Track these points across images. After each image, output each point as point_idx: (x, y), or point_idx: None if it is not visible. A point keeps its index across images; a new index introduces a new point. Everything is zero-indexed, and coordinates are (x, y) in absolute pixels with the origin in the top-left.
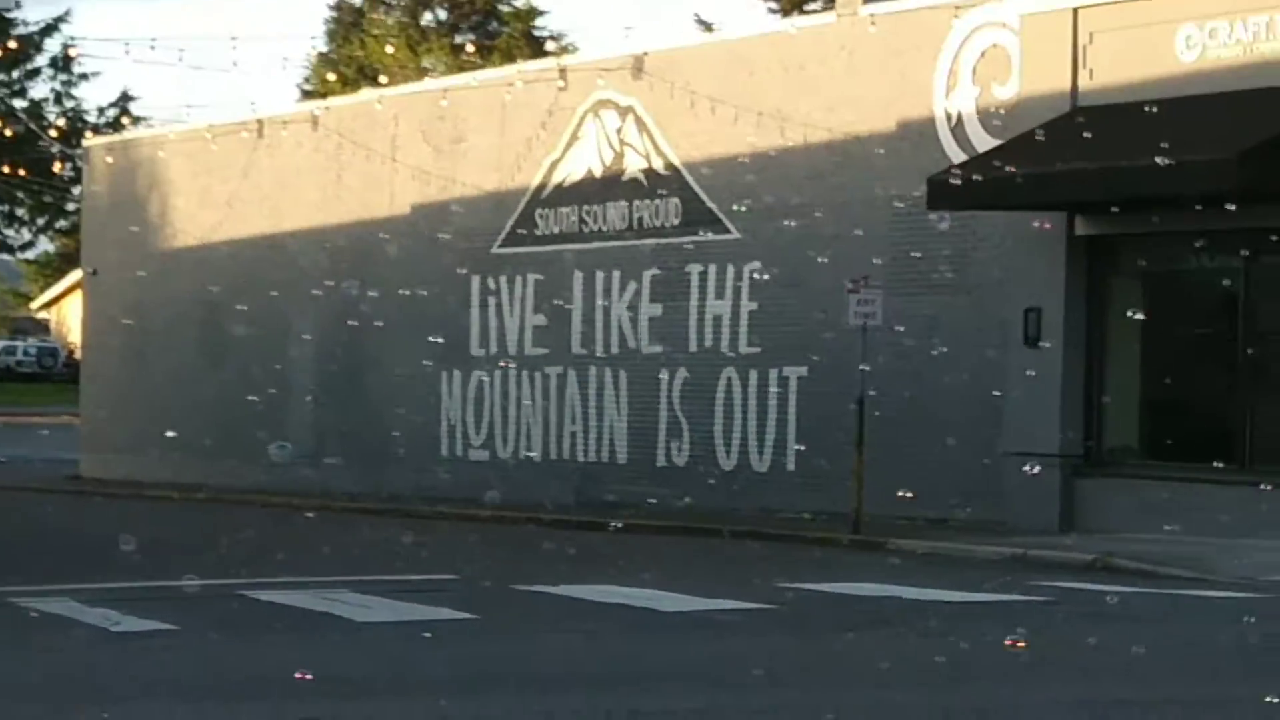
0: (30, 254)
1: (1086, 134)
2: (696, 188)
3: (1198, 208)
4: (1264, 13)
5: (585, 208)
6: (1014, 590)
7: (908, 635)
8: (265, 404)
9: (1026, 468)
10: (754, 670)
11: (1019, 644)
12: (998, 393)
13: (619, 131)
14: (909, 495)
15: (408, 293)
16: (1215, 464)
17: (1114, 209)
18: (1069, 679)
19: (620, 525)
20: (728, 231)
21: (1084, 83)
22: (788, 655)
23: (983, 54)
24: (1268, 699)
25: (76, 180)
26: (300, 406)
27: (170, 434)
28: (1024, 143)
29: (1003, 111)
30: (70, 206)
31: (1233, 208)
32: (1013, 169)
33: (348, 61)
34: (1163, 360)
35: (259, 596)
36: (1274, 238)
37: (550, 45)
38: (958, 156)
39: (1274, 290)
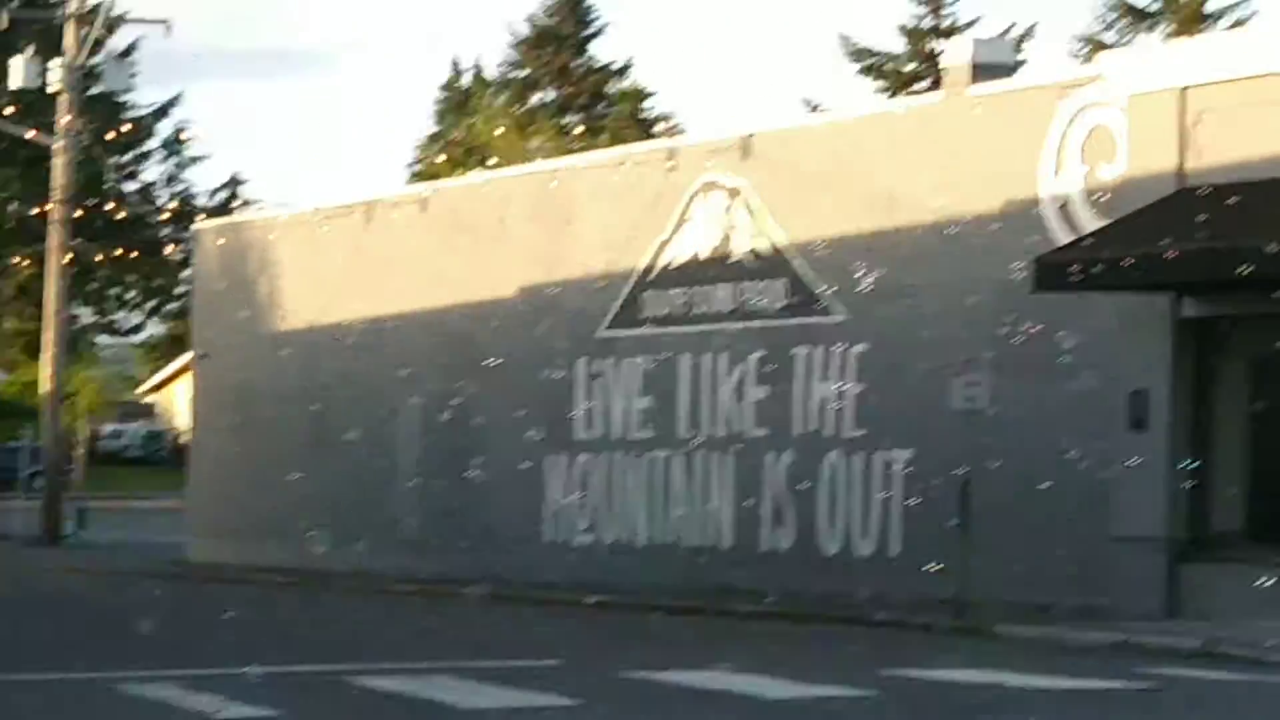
0: (140, 337)
1: (1194, 215)
2: (802, 270)
3: None
4: None
5: (693, 290)
6: (1118, 677)
7: None
8: (372, 488)
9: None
10: None
11: None
12: (1104, 476)
13: (727, 212)
14: (1018, 578)
15: (515, 375)
16: None
17: (1222, 291)
18: None
19: (724, 611)
20: (833, 313)
21: (1191, 162)
22: None
23: (1089, 134)
24: None
25: (185, 263)
26: (406, 490)
27: (286, 514)
28: (1131, 223)
29: (1109, 192)
30: (179, 289)
31: None
32: (1120, 250)
33: (456, 143)
34: (1271, 444)
35: (363, 683)
36: None
37: (658, 126)
38: (1064, 237)
39: None
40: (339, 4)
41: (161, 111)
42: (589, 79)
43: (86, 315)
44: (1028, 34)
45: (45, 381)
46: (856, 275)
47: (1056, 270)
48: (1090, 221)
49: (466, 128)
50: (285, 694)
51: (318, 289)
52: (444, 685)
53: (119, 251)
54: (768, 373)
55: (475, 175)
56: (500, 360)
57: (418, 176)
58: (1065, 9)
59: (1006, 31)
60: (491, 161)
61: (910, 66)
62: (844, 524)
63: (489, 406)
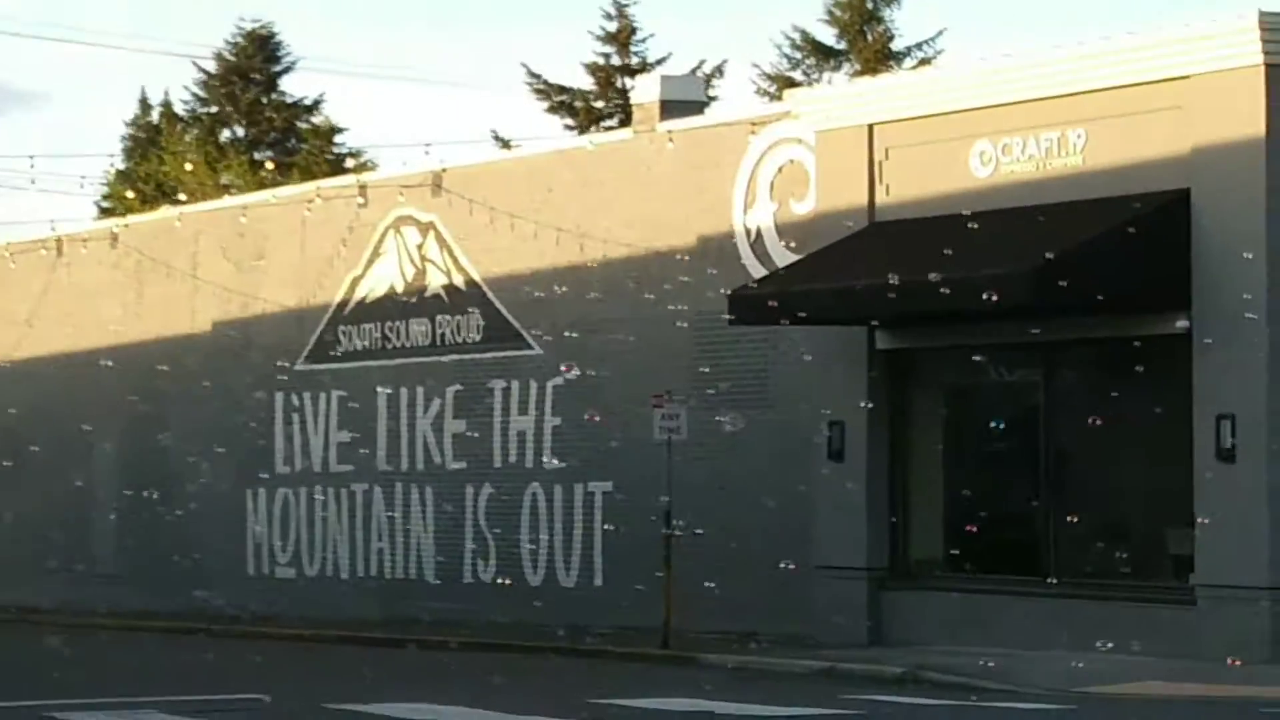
0: None
1: (884, 249)
2: (498, 303)
3: (995, 321)
4: (1055, 129)
5: (388, 324)
6: (825, 704)
7: None
8: (70, 521)
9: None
10: None
11: None
12: (802, 507)
13: (420, 248)
14: (721, 607)
15: (211, 409)
16: (1018, 575)
17: (914, 323)
18: None
19: (429, 642)
20: (530, 347)
21: (881, 198)
22: None
23: (780, 170)
24: None
25: None
26: (104, 525)
27: None
28: (823, 257)
29: (801, 226)
30: None
31: (1030, 322)
32: (814, 284)
33: (146, 179)
34: (965, 473)
35: (67, 717)
36: (1070, 351)
37: (350, 162)
38: (758, 271)
39: (1072, 403)
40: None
41: None
42: (279, 115)
43: None
44: (717, 71)
45: None
46: (551, 309)
47: (750, 303)
48: (783, 255)
49: (156, 164)
50: None
51: (7, 324)
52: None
53: None
54: (465, 407)
55: (166, 211)
56: (197, 395)
57: (108, 213)
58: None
59: (696, 69)
60: (181, 197)
61: (599, 104)
62: (547, 555)
63: (187, 441)
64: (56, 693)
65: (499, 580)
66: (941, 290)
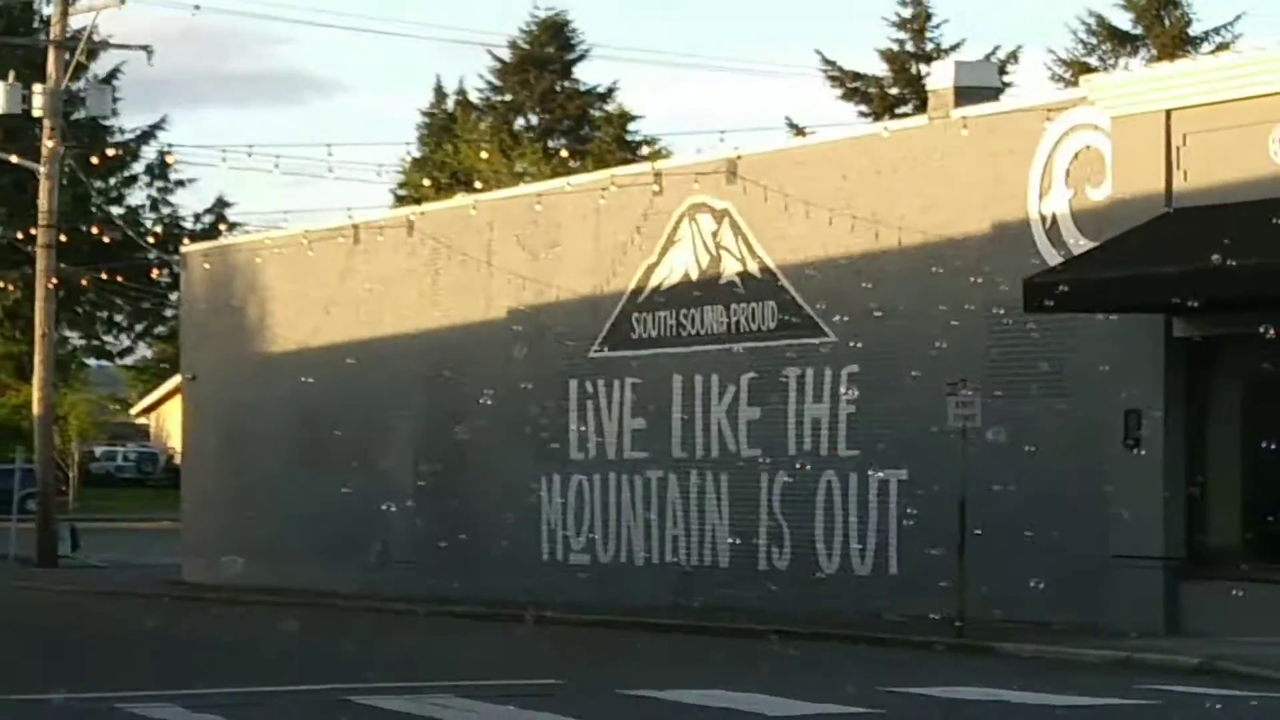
0: (129, 359)
1: (1182, 235)
2: (792, 291)
3: None
4: None
5: (683, 311)
6: (1121, 694)
7: None
8: (364, 507)
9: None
10: None
11: None
12: (1097, 496)
13: (715, 235)
14: (1015, 595)
15: (506, 396)
16: None
17: (1213, 311)
18: None
19: (723, 629)
20: (824, 334)
21: (1178, 184)
22: None
23: (1076, 156)
24: None
25: (174, 286)
26: (401, 510)
27: (279, 535)
28: (1120, 244)
29: (1097, 213)
30: (168, 312)
31: None
32: (1109, 271)
33: (441, 167)
34: (1264, 462)
35: (363, 701)
36: None
37: (643, 150)
38: (1053, 258)
39: None
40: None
41: (146, 136)
42: (573, 102)
43: (75, 338)
44: (1011, 57)
45: (36, 404)
46: (845, 297)
47: (1045, 291)
48: (1079, 243)
49: (452, 152)
50: (286, 713)
51: (306, 311)
52: (444, 703)
53: (105, 275)
54: (759, 394)
55: (461, 199)
56: (492, 392)
57: (403, 201)
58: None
59: (991, 54)
60: (477, 185)
61: (894, 90)
62: (841, 543)
63: (481, 428)
64: (352, 677)
65: (791, 567)
66: (1241, 277)
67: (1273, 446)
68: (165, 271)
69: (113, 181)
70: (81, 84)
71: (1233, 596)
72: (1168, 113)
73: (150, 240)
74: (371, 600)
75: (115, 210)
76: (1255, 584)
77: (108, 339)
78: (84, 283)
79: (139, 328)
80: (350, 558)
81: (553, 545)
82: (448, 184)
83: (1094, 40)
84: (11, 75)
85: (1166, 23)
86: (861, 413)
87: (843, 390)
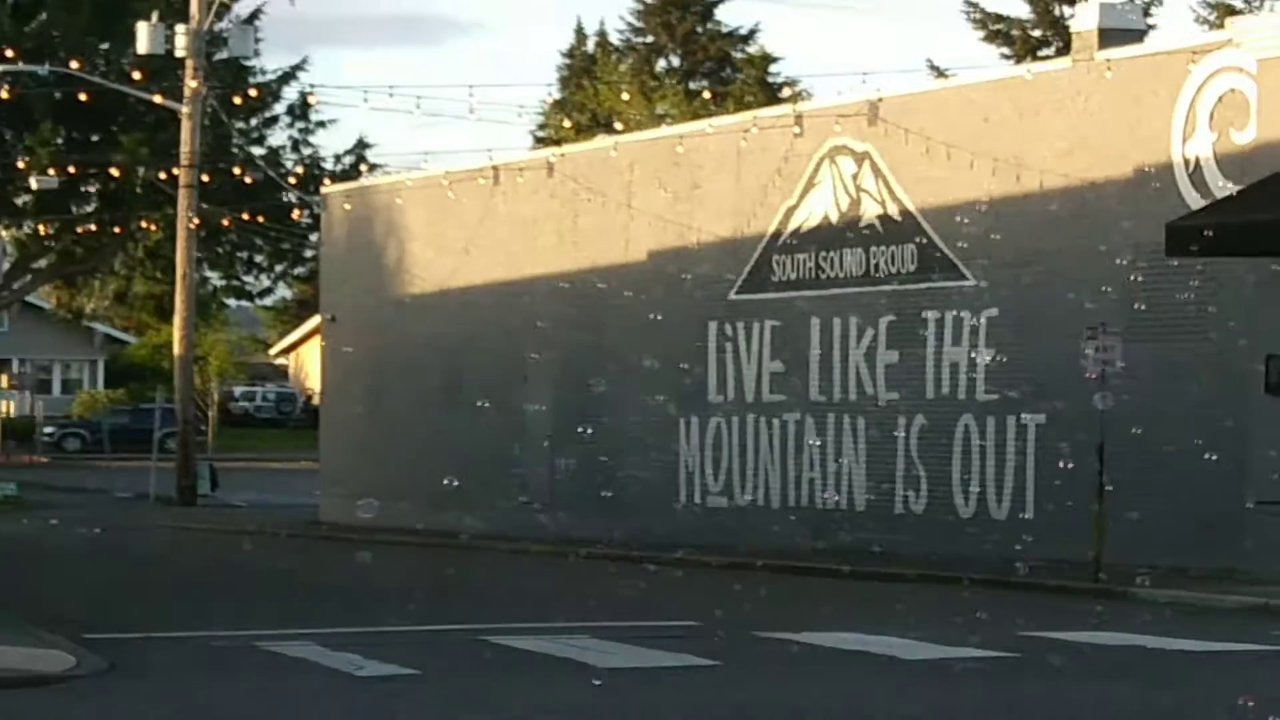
0: (268, 300)
1: None
2: (932, 234)
3: None
4: None
5: (822, 254)
6: (1259, 640)
7: (1151, 685)
8: (503, 449)
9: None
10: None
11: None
12: (1237, 441)
13: (855, 178)
14: (1153, 540)
15: (645, 338)
16: None
17: None
18: None
19: (859, 572)
20: (964, 278)
21: None
22: (1030, 704)
23: (1220, 99)
24: None
25: (314, 227)
26: (538, 451)
27: (417, 475)
28: (1264, 188)
29: (1241, 157)
30: (308, 253)
31: None
32: (1252, 215)
33: (581, 108)
34: None
35: (501, 641)
36: None
37: (784, 92)
38: (1196, 202)
39: None
40: None
41: (288, 76)
42: (714, 44)
43: (215, 278)
44: None
45: (177, 344)
46: (986, 240)
47: (1188, 235)
48: (1223, 187)
49: (592, 93)
50: (426, 652)
51: (445, 253)
52: (582, 644)
53: (246, 216)
54: (898, 337)
55: (601, 140)
56: (631, 323)
57: (543, 143)
58: None
59: None
60: (617, 127)
61: (1036, 32)
62: (978, 487)
63: (620, 369)
64: (490, 617)
65: (928, 511)
66: None
67: None
68: (306, 212)
69: (254, 122)
70: (224, 24)
71: None
72: None
73: (291, 181)
74: (509, 541)
75: (256, 151)
76: None
77: (248, 279)
78: (225, 223)
79: (279, 268)
80: (487, 499)
81: (690, 488)
82: (588, 126)
83: None
84: (155, 15)
85: None
86: (1001, 356)
87: (981, 354)
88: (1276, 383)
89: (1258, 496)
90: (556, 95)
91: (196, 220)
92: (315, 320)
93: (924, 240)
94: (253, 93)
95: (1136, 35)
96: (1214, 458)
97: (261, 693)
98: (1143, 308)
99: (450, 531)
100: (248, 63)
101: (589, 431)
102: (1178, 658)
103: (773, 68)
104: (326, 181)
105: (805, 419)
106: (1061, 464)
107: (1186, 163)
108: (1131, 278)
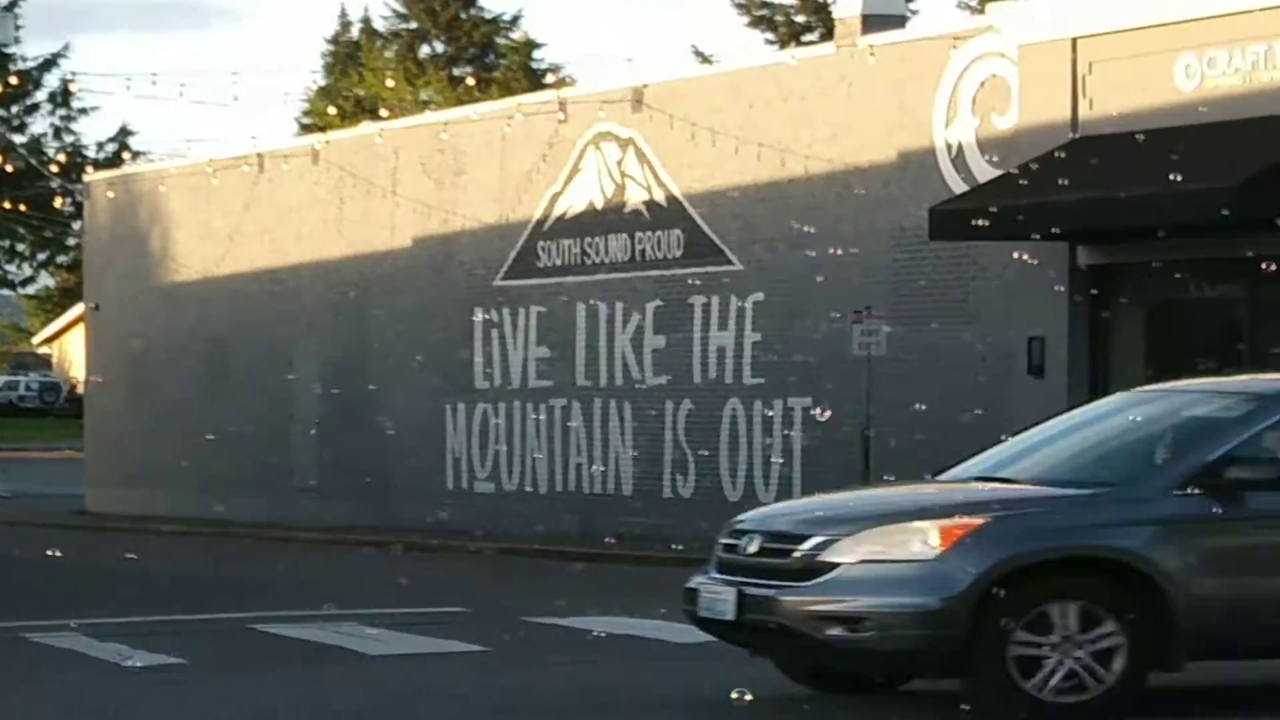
0: (31, 289)
1: (1087, 163)
2: (698, 219)
3: (1199, 237)
4: (1262, 41)
5: (587, 240)
6: None
7: None
8: (269, 437)
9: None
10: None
11: None
12: (1002, 423)
13: (620, 164)
14: None
15: (410, 325)
16: None
17: (1117, 239)
18: None
19: (628, 557)
20: (730, 263)
21: (1084, 112)
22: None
23: (982, 84)
24: None
25: (77, 215)
26: (304, 439)
27: (183, 464)
28: (1025, 172)
29: (1003, 141)
30: (71, 241)
31: (1234, 238)
32: (1015, 199)
33: (346, 95)
34: None
35: (268, 629)
36: (1276, 266)
37: (549, 78)
38: (959, 187)
39: (1277, 318)
40: None
41: (49, 63)
42: (478, 30)
43: None
44: None
45: None
46: (751, 225)
47: (952, 219)
48: (985, 171)
49: (356, 80)
50: (192, 641)
51: (211, 240)
52: (350, 632)
53: (8, 204)
54: (665, 322)
55: (366, 127)
56: (396, 310)
57: (308, 129)
58: None
59: None
60: (382, 114)
61: (800, 18)
62: (745, 471)
63: (386, 356)
64: (259, 605)
65: (696, 496)
66: (1145, 205)
67: (1169, 377)
68: (68, 200)
69: (15, 109)
70: None
71: None
72: (1074, 41)
73: (53, 169)
74: (279, 529)
75: (17, 139)
76: None
77: (10, 268)
78: None
79: (41, 257)
80: (254, 487)
81: (458, 475)
82: (353, 112)
83: None
84: None
85: None
86: (766, 341)
87: (816, 412)
88: (1038, 365)
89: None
90: (321, 82)
91: None
92: (79, 309)
93: (690, 225)
94: (13, 80)
95: (899, 21)
96: (979, 440)
97: (29, 682)
98: (908, 291)
99: (220, 520)
100: (8, 50)
101: (355, 412)
102: None
103: (536, 54)
104: (89, 169)
105: (572, 405)
106: (826, 448)
107: (949, 147)
108: (896, 260)
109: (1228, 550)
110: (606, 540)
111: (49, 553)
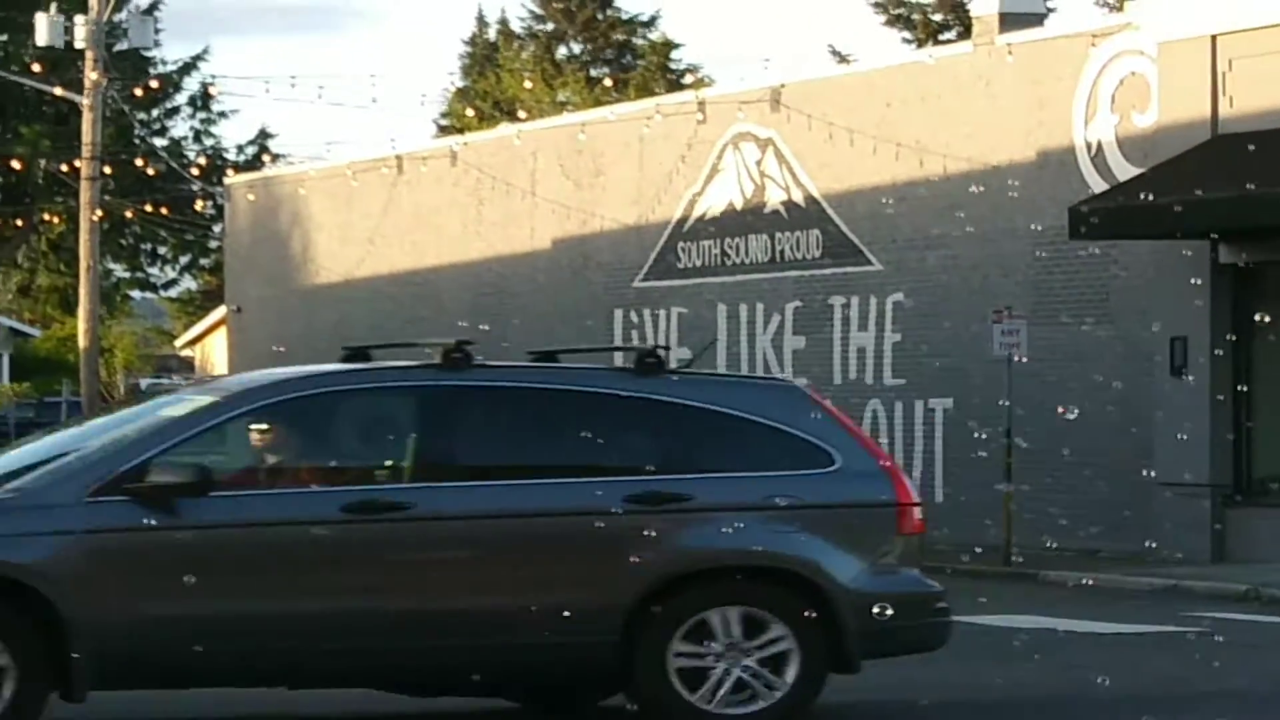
0: (173, 292)
1: (1228, 161)
2: (837, 219)
3: None
4: None
5: (727, 240)
6: (1167, 622)
7: (1062, 666)
8: None
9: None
10: (920, 702)
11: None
12: (1144, 423)
13: (759, 164)
14: (1062, 523)
15: (550, 326)
16: None
17: (1259, 237)
18: (1229, 708)
19: None
20: (869, 263)
21: (1224, 110)
22: (946, 688)
23: (1121, 82)
24: None
25: (218, 218)
26: None
27: None
28: (1165, 171)
29: (1143, 140)
30: (212, 244)
31: None
32: (1155, 197)
33: (484, 96)
34: None
35: None
36: None
37: (687, 78)
38: (1098, 185)
39: None
40: None
41: (189, 67)
42: (615, 31)
43: (120, 270)
44: None
45: (82, 336)
46: (891, 225)
47: (1091, 217)
48: (1125, 169)
49: (494, 81)
50: None
51: (350, 242)
52: None
53: (150, 208)
54: (805, 323)
55: (504, 128)
56: (538, 311)
57: (446, 131)
58: None
59: None
60: (520, 115)
61: (937, 17)
62: None
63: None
64: None
65: None
66: None
67: None
68: (209, 203)
69: (156, 113)
70: (123, 15)
71: (1279, 523)
72: (1214, 38)
73: (194, 172)
74: None
75: (159, 142)
76: None
77: (152, 271)
78: (128, 215)
79: (183, 260)
80: None
81: None
82: (491, 114)
83: None
84: (53, 7)
85: None
86: (907, 341)
87: (1062, 410)
88: (1181, 364)
89: (1165, 478)
90: (459, 83)
91: (100, 213)
92: (221, 311)
93: (829, 226)
94: (154, 84)
95: (1037, 19)
96: (1122, 441)
97: None
98: (1047, 290)
99: None
100: (148, 54)
101: None
102: (1088, 639)
103: (674, 54)
104: (230, 172)
105: None
106: (970, 448)
107: (1089, 146)
108: (1036, 260)
109: (149, 563)
110: None
111: None
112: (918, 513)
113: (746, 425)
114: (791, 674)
